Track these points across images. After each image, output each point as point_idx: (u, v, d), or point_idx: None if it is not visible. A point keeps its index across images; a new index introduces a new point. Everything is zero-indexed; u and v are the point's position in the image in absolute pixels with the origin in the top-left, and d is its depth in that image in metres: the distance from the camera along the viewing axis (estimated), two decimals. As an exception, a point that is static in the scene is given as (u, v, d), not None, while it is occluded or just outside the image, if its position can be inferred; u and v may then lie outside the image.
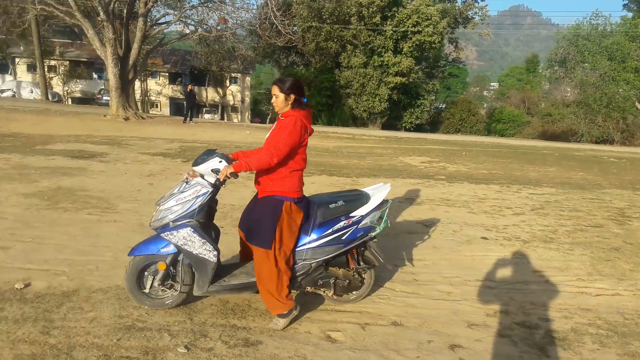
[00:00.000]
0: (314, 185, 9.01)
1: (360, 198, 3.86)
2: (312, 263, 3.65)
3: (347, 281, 3.83)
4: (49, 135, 14.10)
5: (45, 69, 35.62)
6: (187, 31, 27.02)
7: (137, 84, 39.44)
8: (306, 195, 3.75)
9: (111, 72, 20.97)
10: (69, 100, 45.35)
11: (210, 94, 49.60)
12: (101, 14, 19.67)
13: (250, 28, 26.35)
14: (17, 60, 45.34)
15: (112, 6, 20.18)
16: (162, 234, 3.51)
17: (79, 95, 46.42)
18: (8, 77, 45.68)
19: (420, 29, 33.12)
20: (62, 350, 3.06)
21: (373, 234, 3.82)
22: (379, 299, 4.18)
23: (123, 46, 21.85)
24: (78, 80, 45.83)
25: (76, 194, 7.12)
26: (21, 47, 41.93)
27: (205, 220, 3.58)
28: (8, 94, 40.09)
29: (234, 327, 3.51)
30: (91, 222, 5.80)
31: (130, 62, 22.20)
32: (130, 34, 22.85)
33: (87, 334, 3.26)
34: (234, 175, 3.42)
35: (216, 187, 3.57)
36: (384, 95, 34.72)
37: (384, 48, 34.15)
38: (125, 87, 22.10)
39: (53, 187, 7.46)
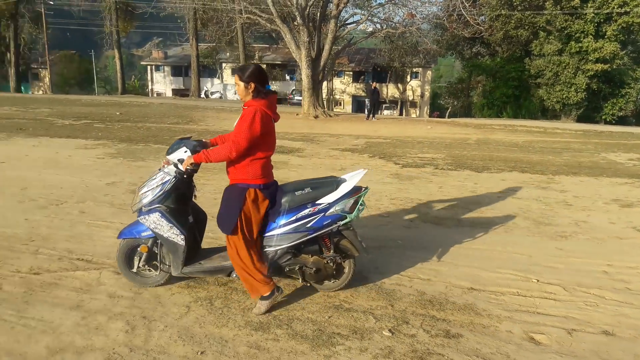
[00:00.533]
0: (505, 182, 8.65)
1: (329, 185, 3.74)
2: (278, 250, 3.65)
3: (316, 269, 3.72)
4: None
5: (247, 72, 39.64)
6: (370, 29, 27.79)
7: (324, 83, 41.75)
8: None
9: (304, 73, 22.59)
10: (265, 100, 49.82)
11: (390, 90, 50.25)
12: (298, 18, 21.31)
13: (437, 21, 26.07)
14: (224, 65, 51.41)
15: (307, 11, 21.69)
16: (138, 218, 3.79)
17: (273, 95, 50.76)
18: (216, 81, 52.04)
19: (629, 9, 29.20)
20: (283, 321, 3.49)
21: (342, 222, 3.67)
22: (586, 305, 3.90)
23: (315, 48, 23.34)
24: (273, 82, 50.24)
25: (280, 184, 7.90)
26: (227, 53, 47.47)
27: (175, 205, 3.74)
28: (216, 95, 45.73)
29: (434, 317, 3.60)
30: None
31: (321, 63, 23.62)
32: (321, 36, 24.32)
33: (303, 309, 3.66)
34: (195, 165, 3.61)
35: (180, 175, 3.71)
36: (582, 84, 31.43)
37: (583, 33, 30.89)
38: (315, 87, 23.59)
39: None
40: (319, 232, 3.66)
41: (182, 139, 3.80)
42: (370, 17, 25.07)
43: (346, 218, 3.66)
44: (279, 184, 3.82)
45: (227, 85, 47.56)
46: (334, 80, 48.51)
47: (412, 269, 4.49)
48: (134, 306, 3.65)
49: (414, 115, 47.29)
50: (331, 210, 3.66)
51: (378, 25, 26.67)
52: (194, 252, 3.92)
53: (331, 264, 3.76)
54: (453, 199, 7.27)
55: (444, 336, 3.35)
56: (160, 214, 3.71)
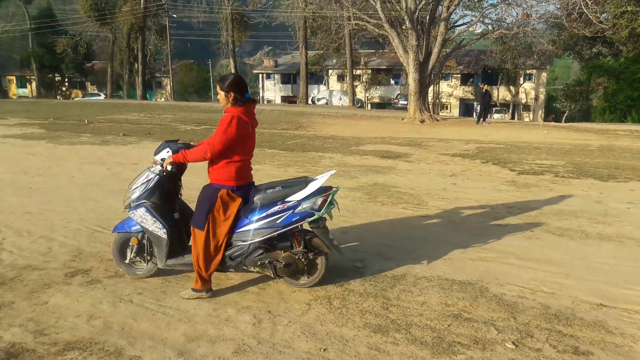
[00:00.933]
0: (634, 192, 7.94)
1: (299, 184, 3.93)
2: (250, 244, 3.87)
3: (287, 264, 3.87)
4: (359, 137, 15.92)
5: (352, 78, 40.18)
6: (478, 30, 26.81)
7: (430, 86, 41.06)
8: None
9: (412, 77, 22.40)
10: (369, 105, 50.19)
11: (501, 93, 48.13)
12: (406, 22, 21.21)
13: (554, 21, 24.58)
14: (330, 71, 52.41)
15: (416, 14, 21.52)
16: (128, 213, 4.09)
17: (377, 100, 50.93)
18: (322, 87, 53.18)
19: None
20: (401, 325, 3.51)
21: (311, 219, 3.82)
22: None
23: (423, 52, 23.04)
24: (378, 87, 50.32)
25: (390, 189, 7.91)
26: (334, 60, 48.34)
27: (160, 201, 4.04)
28: (322, 101, 46.69)
29: (560, 333, 3.42)
30: (407, 215, 6.39)
31: (429, 66, 23.27)
32: (430, 39, 23.97)
33: (420, 316, 3.65)
34: (176, 165, 3.93)
35: (162, 173, 4.01)
36: None
37: None
38: (422, 91, 23.28)
39: (370, 183, 8.45)
40: (288, 228, 3.87)
41: (168, 142, 4.16)
42: (481, 19, 24.24)
43: (314, 215, 3.83)
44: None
45: (333, 92, 48.43)
46: (440, 83, 47.48)
47: (535, 282, 4.29)
48: (260, 300, 3.87)
49: (527, 119, 44.89)
50: (300, 207, 3.86)
51: (490, 27, 25.72)
52: (179, 246, 4.16)
53: (302, 260, 3.94)
54: (576, 209, 6.82)
55: (572, 352, 3.17)
56: (145, 209, 4.02)
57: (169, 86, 54.99)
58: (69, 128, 16.97)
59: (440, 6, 23.42)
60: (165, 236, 4.00)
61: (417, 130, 19.11)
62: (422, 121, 22.32)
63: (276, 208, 3.87)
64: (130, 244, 4.20)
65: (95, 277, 4.26)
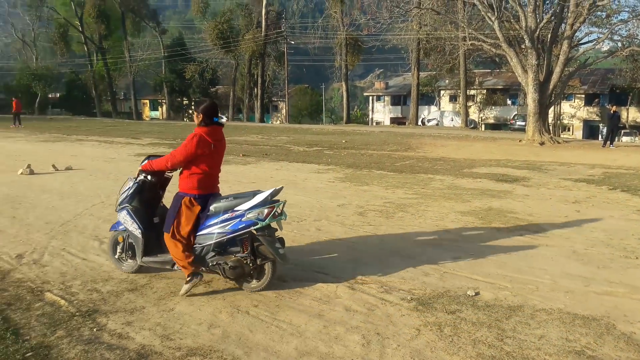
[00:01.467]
0: None
1: (248, 196, 4.40)
2: (204, 246, 4.38)
3: (234, 267, 4.31)
4: (472, 160, 15.42)
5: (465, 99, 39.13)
6: (605, 48, 24.83)
7: (551, 107, 38.72)
8: None
9: (531, 97, 21.32)
10: (483, 126, 48.43)
11: (631, 114, 43.98)
12: (526, 41, 20.32)
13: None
14: (442, 92, 51.51)
15: (537, 33, 20.56)
16: (117, 214, 4.78)
17: (492, 121, 48.99)
18: (433, 108, 52.34)
19: None
20: (517, 359, 3.33)
21: (255, 227, 4.26)
22: None
23: (544, 71, 21.87)
24: (493, 107, 48.45)
25: (506, 215, 7.57)
26: (447, 80, 47.48)
27: (139, 206, 4.64)
28: (433, 122, 45.95)
29: None
30: (524, 243, 6.06)
31: (550, 86, 22.01)
32: (551, 58, 22.72)
33: (538, 350, 3.44)
34: (148, 173, 4.64)
35: (139, 182, 4.67)
36: None
37: None
38: (542, 112, 22.05)
39: (484, 207, 8.14)
40: (235, 234, 4.32)
41: (150, 156, 4.77)
42: (610, 35, 22.50)
43: (258, 224, 4.25)
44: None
45: (445, 112, 47.48)
46: (562, 103, 44.56)
47: (674, 323, 3.86)
48: (368, 322, 3.89)
49: (663, 143, 40.50)
50: (245, 216, 4.29)
51: (619, 44, 23.75)
52: (158, 248, 4.64)
53: (250, 264, 4.34)
54: None
55: None
56: (126, 212, 4.66)
57: (284, 109, 57.45)
58: (194, 148, 18.37)
59: (563, 24, 22.14)
60: (140, 236, 4.58)
61: (536, 152, 18.07)
62: (542, 143, 21.07)
63: (226, 216, 4.34)
64: (117, 240, 4.92)
65: (215, 288, 4.56)
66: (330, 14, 47.16)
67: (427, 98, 52.89)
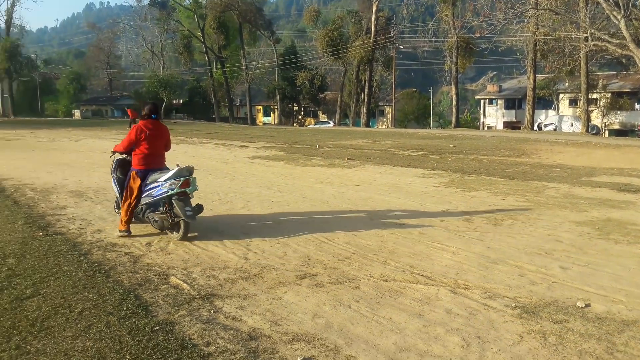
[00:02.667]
0: None
1: (166, 171, 6.22)
2: (143, 206, 6.29)
3: (159, 220, 6.18)
4: (592, 167, 14.39)
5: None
6: None
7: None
8: None
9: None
10: (606, 132, 44.68)
11: None
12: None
13: None
14: (561, 96, 48.32)
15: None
16: None
17: (616, 127, 45.06)
18: (551, 112, 49.24)
19: None
20: (629, 374, 3.18)
21: (169, 194, 5.98)
22: None
23: (679, 72, 19.83)
24: (618, 112, 44.55)
25: (626, 227, 7.05)
26: (566, 83, 44.49)
27: (121, 175, 6.59)
28: (550, 127, 43.20)
29: None
30: (646, 257, 5.64)
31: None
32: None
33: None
34: (112, 152, 6.78)
35: (118, 159, 6.74)
36: None
37: None
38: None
39: (602, 218, 7.64)
40: (157, 198, 6.13)
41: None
42: None
43: (169, 192, 5.98)
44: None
45: (563, 117, 44.44)
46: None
47: None
48: (469, 325, 3.90)
49: None
50: (162, 186, 6.06)
51: None
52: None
53: (169, 220, 6.08)
54: None
55: None
56: (113, 180, 6.72)
57: (390, 114, 57.32)
58: (303, 151, 19.08)
59: None
60: (117, 194, 6.62)
61: (669, 162, 16.39)
62: (676, 152, 19.06)
63: (153, 185, 6.17)
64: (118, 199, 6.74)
65: (320, 282, 4.81)
66: (441, 17, 46.31)
67: (544, 102, 49.91)
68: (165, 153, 6.76)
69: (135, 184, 6.23)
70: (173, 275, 4.98)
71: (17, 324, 3.75)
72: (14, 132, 26.09)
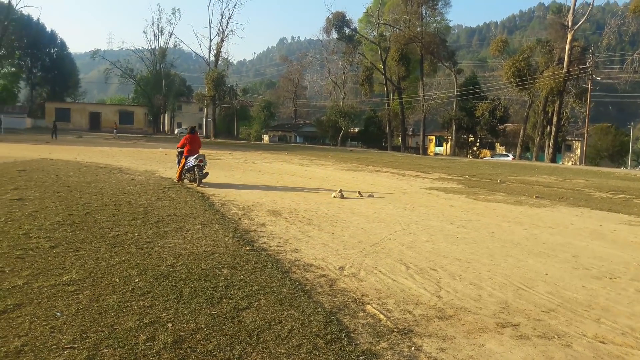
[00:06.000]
0: None
1: (195, 156, 14.20)
2: (185, 170, 14.26)
3: (192, 177, 14.17)
4: None
5: None
6: None
7: None
8: None
9: None
10: None
11: None
12: None
13: None
14: None
15: None
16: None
17: None
18: None
19: None
20: None
21: (191, 165, 14.02)
22: None
23: None
24: None
25: None
26: None
27: (179, 157, 15.16)
28: None
29: None
30: None
31: None
32: None
33: None
34: (178, 149, 15.91)
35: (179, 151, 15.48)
36: None
37: None
38: None
39: None
40: (189, 166, 14.08)
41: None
42: None
43: (190, 164, 14.07)
44: None
45: None
46: None
47: None
48: None
49: None
50: (192, 161, 13.99)
51: None
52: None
53: (195, 177, 14.00)
54: None
55: None
56: (177, 159, 15.46)
57: (579, 149, 52.25)
58: (483, 185, 18.28)
59: None
60: (177, 165, 14.92)
61: None
62: None
63: (188, 162, 14.10)
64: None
65: (524, 333, 4.45)
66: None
67: None
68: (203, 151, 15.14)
69: (183, 161, 14.20)
70: (368, 303, 5.05)
71: (237, 334, 4.12)
72: (216, 153, 29.50)
